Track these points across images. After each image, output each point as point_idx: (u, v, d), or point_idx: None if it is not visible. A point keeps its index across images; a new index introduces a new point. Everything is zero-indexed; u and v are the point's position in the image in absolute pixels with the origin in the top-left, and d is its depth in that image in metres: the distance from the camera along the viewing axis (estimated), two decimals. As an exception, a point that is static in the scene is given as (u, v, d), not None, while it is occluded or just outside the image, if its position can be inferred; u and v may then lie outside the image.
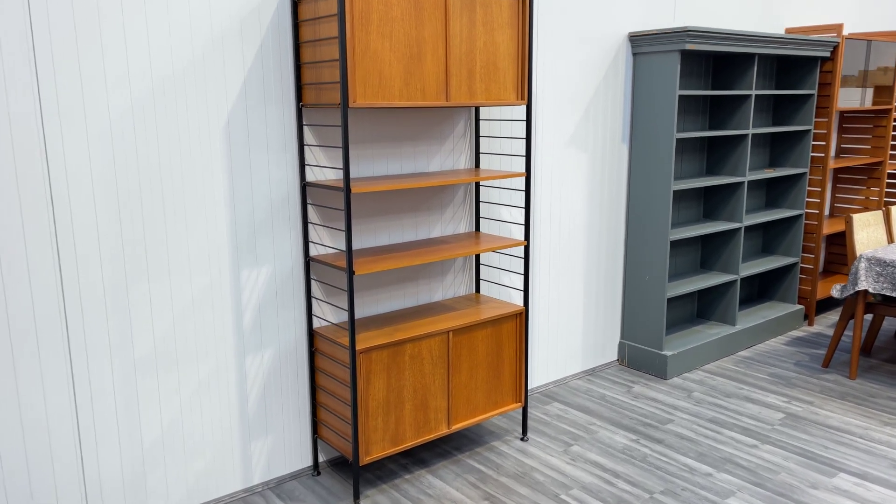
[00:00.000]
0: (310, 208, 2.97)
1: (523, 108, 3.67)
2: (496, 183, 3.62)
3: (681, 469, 3.17)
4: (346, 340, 2.85)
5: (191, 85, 2.62)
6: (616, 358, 4.44)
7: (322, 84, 2.73)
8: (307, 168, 2.94)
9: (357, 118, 3.03)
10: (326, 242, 3.05)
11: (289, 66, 2.84)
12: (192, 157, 2.66)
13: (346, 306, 3.15)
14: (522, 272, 3.84)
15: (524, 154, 3.40)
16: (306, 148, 2.93)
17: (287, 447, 3.08)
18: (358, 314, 3.20)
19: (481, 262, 3.64)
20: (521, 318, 3.32)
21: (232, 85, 2.71)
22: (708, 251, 4.71)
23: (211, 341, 2.80)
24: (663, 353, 4.18)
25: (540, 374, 4.03)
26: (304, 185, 2.93)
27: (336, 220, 3.06)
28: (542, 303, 3.96)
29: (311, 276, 3.03)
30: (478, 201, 3.51)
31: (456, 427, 3.16)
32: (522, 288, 3.77)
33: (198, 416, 2.81)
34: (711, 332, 4.51)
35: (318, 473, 3.14)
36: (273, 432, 3.02)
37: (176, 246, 2.67)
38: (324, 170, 3.00)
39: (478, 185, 3.50)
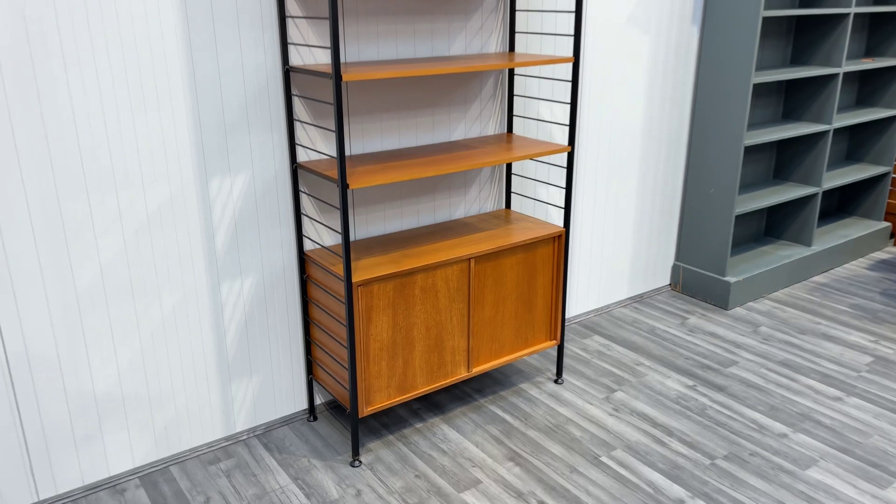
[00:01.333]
0: (296, 101, 2.35)
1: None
2: (535, 70, 2.93)
3: (748, 426, 2.63)
4: (341, 269, 2.30)
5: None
6: (668, 282, 3.84)
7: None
8: (291, 49, 2.30)
9: (356, -16, 2.35)
10: (319, 147, 2.45)
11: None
12: (134, 26, 2.03)
13: (340, 227, 2.58)
14: (564, 185, 3.20)
15: (572, 33, 2.70)
16: (290, 21, 2.28)
17: (277, 389, 2.60)
18: (360, 234, 2.63)
19: (513, 171, 3.00)
20: (561, 241, 2.72)
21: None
22: (785, 158, 3.98)
23: (175, 267, 2.27)
24: (725, 278, 3.56)
25: (579, 301, 3.46)
26: (288, 71, 2.30)
27: (330, 117, 2.44)
28: (584, 218, 3.34)
29: (301, 189, 2.45)
30: (511, 95, 2.84)
31: (477, 370, 2.63)
32: (563, 205, 3.15)
33: (163, 357, 2.33)
34: (782, 254, 3.86)
35: (315, 419, 2.67)
36: (259, 372, 2.54)
37: (121, 148, 2.09)
38: (313, 51, 2.35)
39: (512, 74, 2.82)
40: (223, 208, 2.32)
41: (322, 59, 2.36)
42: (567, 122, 3.10)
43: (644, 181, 3.50)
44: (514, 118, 2.92)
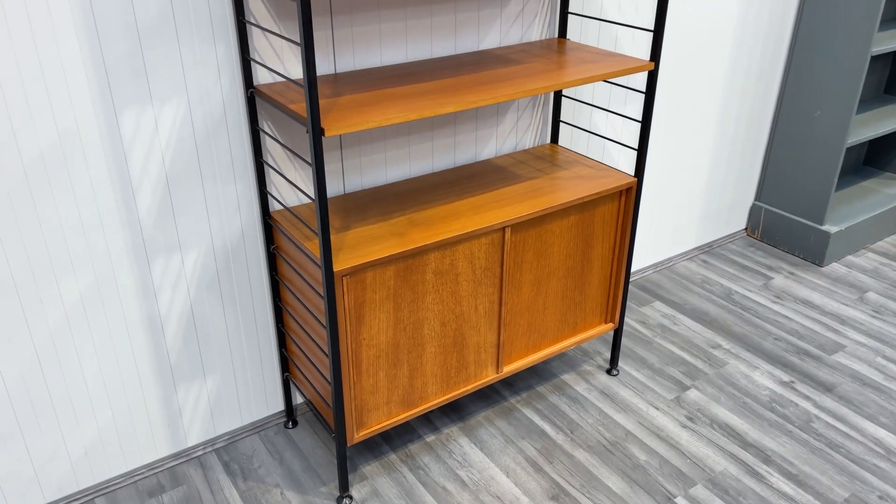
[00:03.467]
0: (249, 1, 1.56)
1: None
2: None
3: (870, 450, 1.96)
4: (316, 247, 1.58)
5: None
6: (744, 226, 3.09)
7: None
8: None
9: None
10: (288, 62, 1.67)
11: None
12: None
13: (312, 189, 1.84)
14: (640, 117, 2.40)
15: None
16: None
17: (242, 391, 1.95)
18: (352, 185, 1.88)
19: (563, 92, 2.21)
20: (630, 195, 1.96)
21: None
22: (903, 69, 3.11)
23: (77, 241, 1.56)
24: (824, 227, 2.80)
25: (635, 254, 2.73)
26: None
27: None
28: (649, 152, 2.56)
29: (261, 127, 1.69)
30: None
31: (510, 369, 1.96)
32: (637, 145, 2.37)
33: (71, 364, 1.66)
34: (890, 192, 3.06)
35: (294, 424, 2.04)
36: (215, 372, 1.88)
37: (-31, 69, 1.34)
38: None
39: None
40: (146, 156, 1.57)
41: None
42: (646, 24, 2.26)
43: (728, 100, 2.68)
44: (569, 17, 2.09)
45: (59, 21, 1.38)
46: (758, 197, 3.02)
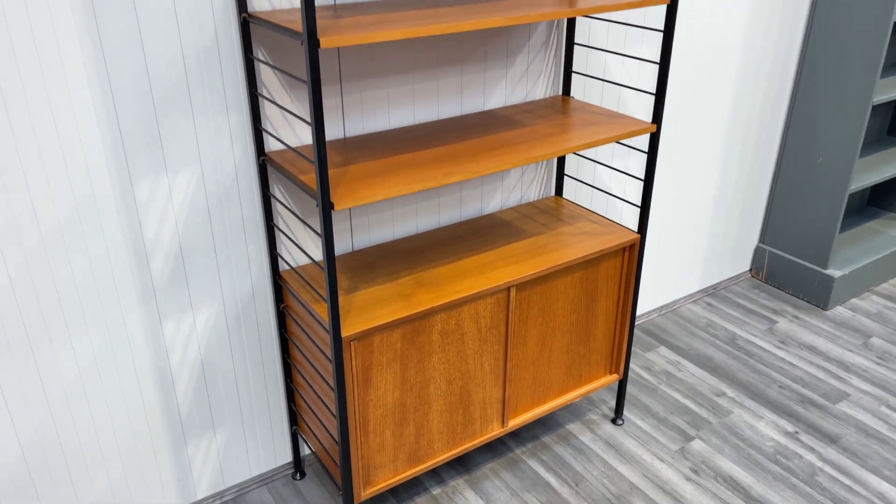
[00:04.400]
0: (262, 74, 1.60)
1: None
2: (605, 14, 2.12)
3: (875, 506, 1.97)
4: (325, 310, 1.61)
5: None
6: (748, 268, 3.11)
7: None
8: (251, -15, 1.54)
9: None
10: (298, 129, 1.71)
11: None
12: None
13: (321, 255, 1.88)
14: (642, 174, 2.44)
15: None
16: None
17: (251, 444, 1.97)
18: (360, 242, 1.92)
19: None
20: (633, 251, 1.99)
21: None
22: (906, 112, 3.14)
23: (93, 304, 1.60)
24: (828, 272, 2.82)
25: (640, 299, 2.75)
26: (246, 21, 1.54)
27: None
28: (654, 193, 2.59)
29: (271, 193, 1.73)
30: (570, 44, 2.05)
31: (515, 423, 1.98)
32: (640, 202, 2.41)
33: (85, 416, 1.69)
34: (893, 234, 3.08)
35: (302, 475, 2.06)
36: (225, 426, 1.91)
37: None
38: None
39: (571, 22, 2.02)
40: (160, 221, 1.61)
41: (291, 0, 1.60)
42: (649, 86, 2.30)
43: (731, 143, 2.71)
44: (573, 75, 2.13)
45: (77, 96, 1.42)
46: (762, 239, 3.05)
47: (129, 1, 1.41)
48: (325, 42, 1.26)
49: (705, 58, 2.45)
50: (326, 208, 1.39)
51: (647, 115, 2.37)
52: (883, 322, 2.78)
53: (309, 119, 1.71)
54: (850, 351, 2.61)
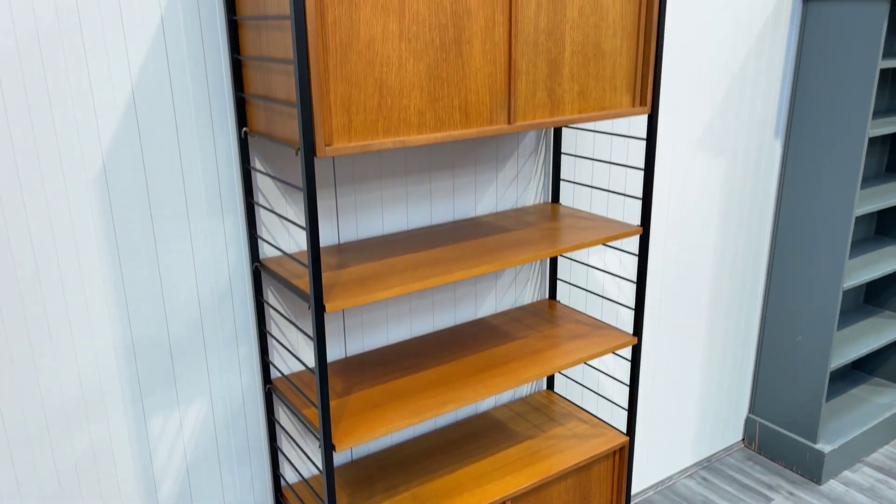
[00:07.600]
0: (268, 291, 1.73)
1: (643, 119, 2.30)
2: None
3: None
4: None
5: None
6: (741, 437, 3.16)
7: (274, 103, 1.44)
8: (261, 242, 1.69)
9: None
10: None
11: (219, 61, 1.56)
12: (46, 235, 1.44)
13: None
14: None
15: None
16: (258, 209, 1.67)
17: None
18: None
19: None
20: (624, 453, 2.07)
21: (114, 99, 1.45)
22: (879, 283, 3.30)
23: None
24: (818, 446, 2.87)
25: (635, 475, 2.79)
26: (257, 270, 1.68)
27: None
28: (643, 369, 2.68)
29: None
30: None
31: None
32: (627, 405, 2.50)
33: None
34: (881, 401, 3.16)
35: None
36: None
37: (5, 393, 1.49)
38: (291, 230, 1.74)
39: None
40: (169, 453, 1.70)
41: (301, 239, 1.74)
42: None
43: (713, 320, 2.84)
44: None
45: (99, 336, 1.55)
46: (751, 409, 3.12)
47: (150, 258, 1.56)
48: (331, 307, 1.39)
49: (685, 257, 2.62)
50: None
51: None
52: (876, 498, 2.80)
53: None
54: (847, 532, 2.62)
